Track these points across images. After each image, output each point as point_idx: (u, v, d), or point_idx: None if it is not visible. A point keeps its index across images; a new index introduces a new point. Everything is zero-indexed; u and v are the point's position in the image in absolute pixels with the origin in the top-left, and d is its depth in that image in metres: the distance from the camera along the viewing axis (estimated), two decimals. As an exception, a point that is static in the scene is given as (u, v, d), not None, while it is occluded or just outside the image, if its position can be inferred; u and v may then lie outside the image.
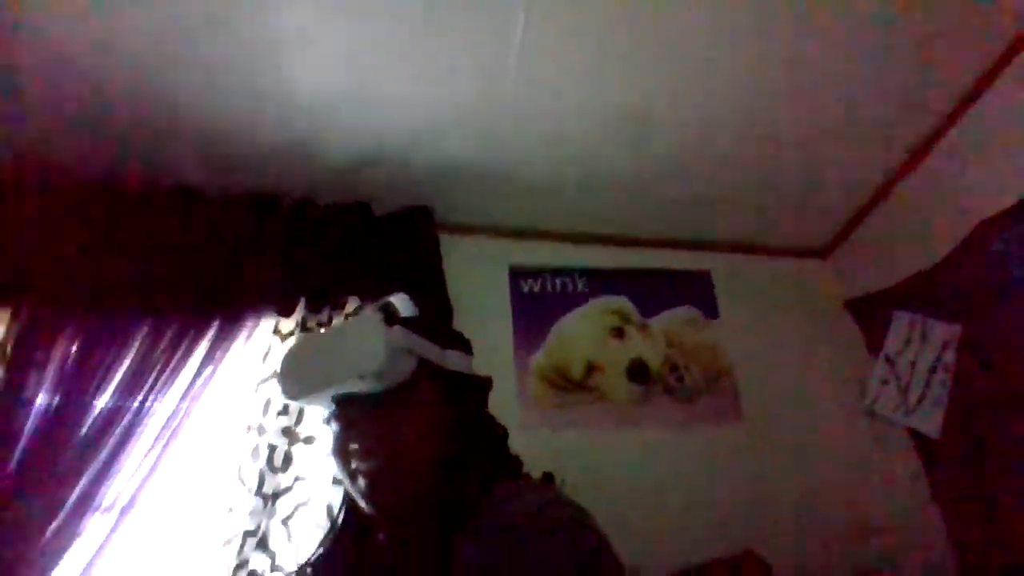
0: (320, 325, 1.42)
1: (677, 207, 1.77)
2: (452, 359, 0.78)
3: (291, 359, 0.78)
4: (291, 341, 1.39)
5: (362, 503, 0.71)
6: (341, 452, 0.72)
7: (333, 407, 0.74)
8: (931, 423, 1.52)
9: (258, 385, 1.34)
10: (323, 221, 1.50)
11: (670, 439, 1.61)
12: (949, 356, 1.51)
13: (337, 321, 1.45)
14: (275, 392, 1.33)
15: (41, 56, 1.14)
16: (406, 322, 0.77)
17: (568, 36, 1.25)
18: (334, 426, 0.74)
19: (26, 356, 1.17)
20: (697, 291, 1.83)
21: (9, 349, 1.18)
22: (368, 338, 0.71)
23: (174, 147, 1.37)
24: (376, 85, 1.30)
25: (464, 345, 0.84)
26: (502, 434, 0.84)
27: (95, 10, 1.07)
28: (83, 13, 1.08)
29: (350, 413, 0.72)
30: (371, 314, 0.79)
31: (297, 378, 0.75)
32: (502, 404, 0.89)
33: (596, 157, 1.56)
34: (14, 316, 1.21)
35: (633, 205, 1.74)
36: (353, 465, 0.70)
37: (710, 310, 1.81)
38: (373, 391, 0.71)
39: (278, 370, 0.78)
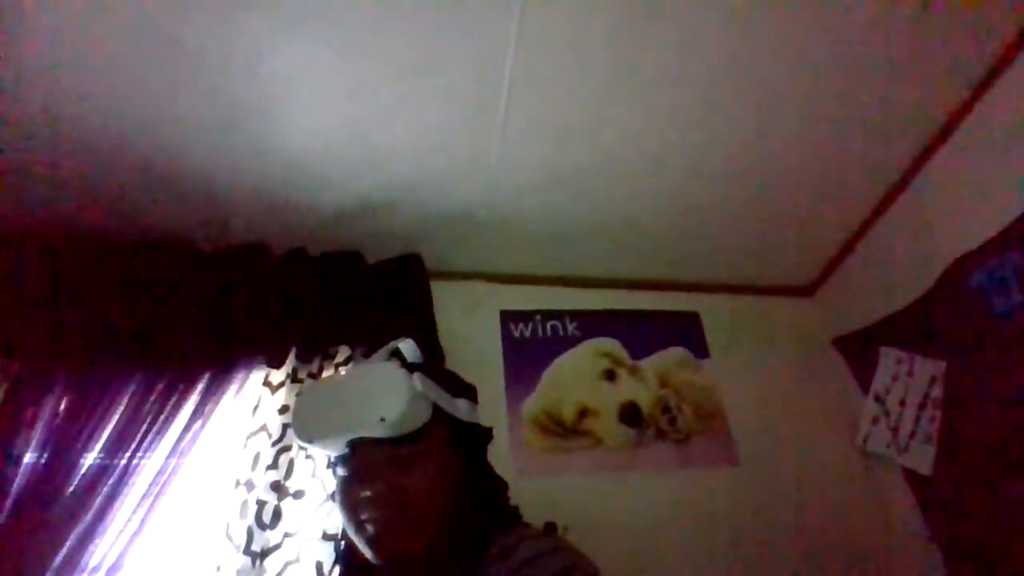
0: (311, 375, 1.42)
1: (664, 249, 1.80)
2: (462, 408, 0.79)
3: (307, 402, 0.78)
4: (281, 392, 1.38)
5: (367, 552, 0.70)
6: (350, 499, 0.72)
7: (345, 452, 0.74)
8: (923, 461, 1.52)
9: (247, 439, 1.32)
10: (314, 270, 1.51)
11: (665, 482, 1.60)
12: (936, 392, 1.53)
13: (342, 369, 1.44)
14: (264, 446, 1.31)
15: (32, 110, 1.16)
16: (421, 368, 0.78)
17: (556, 82, 1.28)
18: (343, 472, 0.74)
19: (15, 413, 1.16)
20: (686, 332, 1.85)
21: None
22: (389, 384, 0.72)
23: (163, 199, 1.38)
24: (366, 136, 1.33)
25: (472, 394, 0.84)
26: (502, 486, 0.84)
27: (84, 67, 1.10)
28: (75, 70, 1.10)
29: (362, 459, 0.73)
30: (389, 360, 0.80)
31: (314, 422, 0.76)
32: (495, 450, 0.89)
33: (584, 202, 1.60)
34: (3, 373, 1.20)
35: (621, 248, 1.77)
36: (362, 514, 0.70)
37: (700, 350, 1.82)
38: (387, 436, 0.71)
39: (293, 413, 0.78)
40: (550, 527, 0.91)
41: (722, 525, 1.56)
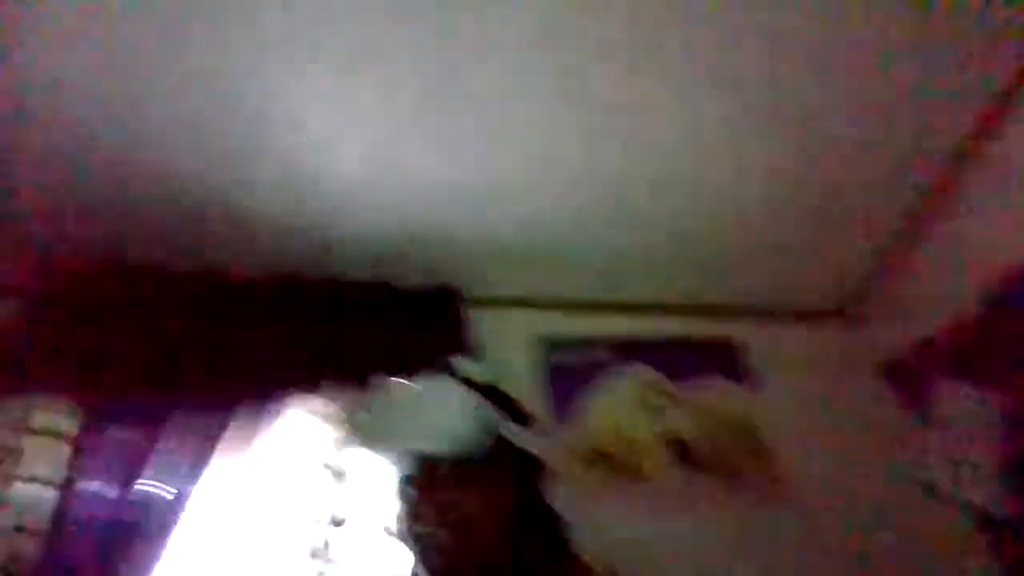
0: (350, 405, 1.39)
1: (702, 273, 1.78)
2: (522, 436, 0.78)
3: (376, 415, 0.81)
4: (324, 422, 1.35)
5: (421, 567, 0.70)
6: (411, 514, 0.73)
7: (407, 465, 0.75)
8: (987, 496, 1.45)
9: (293, 469, 1.28)
10: (349, 300, 1.51)
11: (715, 518, 1.53)
12: (995, 422, 1.46)
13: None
14: (311, 476, 1.28)
15: (107, 156, 1.19)
16: (487, 392, 0.79)
17: (590, 92, 1.26)
18: (406, 488, 0.75)
19: (86, 443, 1.21)
20: (729, 360, 1.80)
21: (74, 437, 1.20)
22: (456, 402, 0.74)
23: (201, 231, 1.40)
24: (402, 166, 1.35)
25: (529, 422, 0.84)
26: (558, 519, 0.83)
27: (124, 101, 1.12)
28: (111, 102, 1.12)
29: (424, 474, 0.74)
30: (456, 382, 0.82)
31: (382, 434, 0.78)
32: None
33: (621, 225, 1.59)
34: (78, 404, 1.22)
35: (659, 272, 1.76)
36: (420, 528, 0.71)
37: (742, 380, 1.77)
38: (451, 454, 0.72)
39: (360, 424, 0.80)
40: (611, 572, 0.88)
41: (775, 561, 1.48)
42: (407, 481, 0.75)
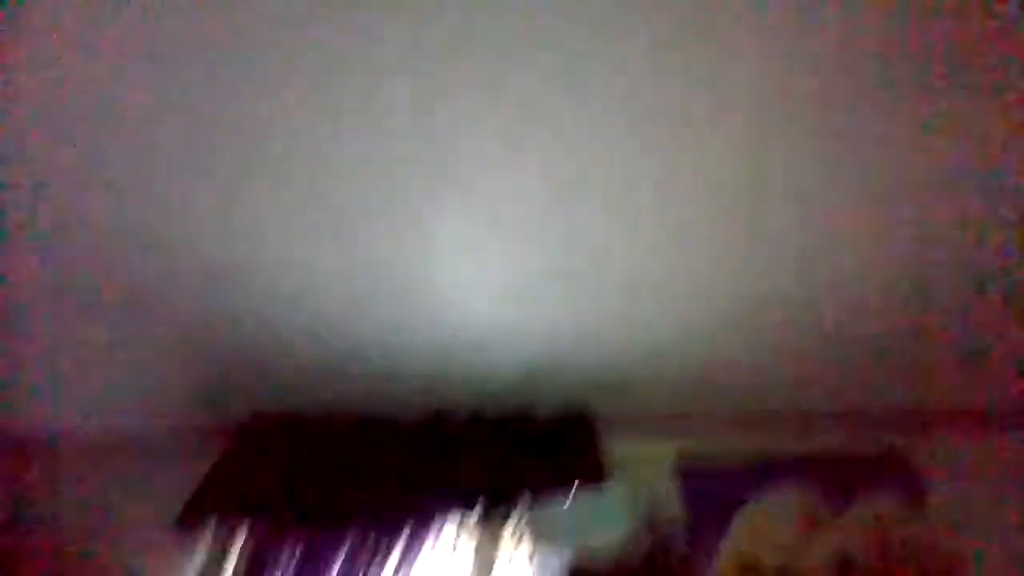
0: (499, 524, 1.49)
1: (857, 378, 1.66)
2: (669, 539, 0.82)
3: (544, 517, 0.87)
4: (471, 541, 1.46)
5: None
6: None
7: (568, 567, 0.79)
8: None
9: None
10: (495, 429, 1.67)
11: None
12: None
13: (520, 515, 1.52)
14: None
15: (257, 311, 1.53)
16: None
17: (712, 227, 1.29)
18: None
19: (257, 568, 1.36)
20: (897, 473, 1.63)
21: (244, 566, 1.38)
22: (617, 510, 0.80)
23: (365, 381, 1.67)
24: (529, 297, 1.47)
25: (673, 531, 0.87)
26: None
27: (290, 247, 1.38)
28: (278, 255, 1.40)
29: None
30: (616, 489, 0.88)
31: (548, 535, 0.84)
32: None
33: (758, 330, 1.54)
34: (250, 531, 1.44)
35: (807, 379, 1.65)
36: None
37: (917, 495, 1.58)
38: (606, 560, 0.77)
39: (530, 523, 0.86)
40: None
41: None
42: None
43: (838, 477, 1.60)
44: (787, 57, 1.00)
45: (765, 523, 1.56)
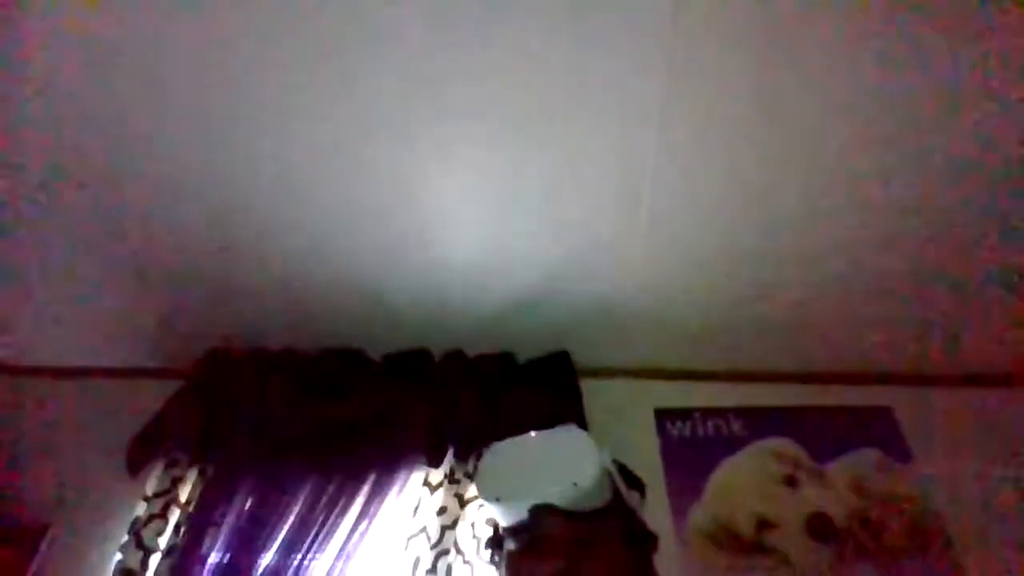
0: (467, 476, 1.42)
1: (841, 337, 1.61)
2: (635, 500, 0.75)
3: (496, 461, 0.79)
4: (440, 493, 1.39)
5: None
6: (522, 571, 0.69)
7: (523, 519, 0.71)
8: None
9: (408, 541, 1.32)
10: (470, 371, 1.58)
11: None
12: None
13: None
14: (423, 549, 1.31)
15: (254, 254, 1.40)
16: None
17: (705, 153, 1.19)
18: (517, 543, 0.71)
19: (206, 515, 1.29)
20: (880, 430, 1.59)
21: (192, 508, 1.30)
22: (583, 451, 0.72)
23: (339, 314, 1.56)
24: (514, 239, 1.39)
25: (642, 491, 0.80)
26: None
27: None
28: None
29: (541, 530, 0.70)
30: (580, 431, 0.80)
31: (503, 481, 0.75)
32: (662, 564, 0.80)
33: (741, 290, 1.49)
34: (200, 475, 1.35)
35: (786, 337, 1.61)
36: None
37: (900, 452, 1.55)
38: (573, 508, 0.69)
39: (481, 470, 0.79)
40: None
41: None
42: (516, 534, 0.72)
43: (818, 434, 1.57)
44: None
45: (742, 479, 1.52)
